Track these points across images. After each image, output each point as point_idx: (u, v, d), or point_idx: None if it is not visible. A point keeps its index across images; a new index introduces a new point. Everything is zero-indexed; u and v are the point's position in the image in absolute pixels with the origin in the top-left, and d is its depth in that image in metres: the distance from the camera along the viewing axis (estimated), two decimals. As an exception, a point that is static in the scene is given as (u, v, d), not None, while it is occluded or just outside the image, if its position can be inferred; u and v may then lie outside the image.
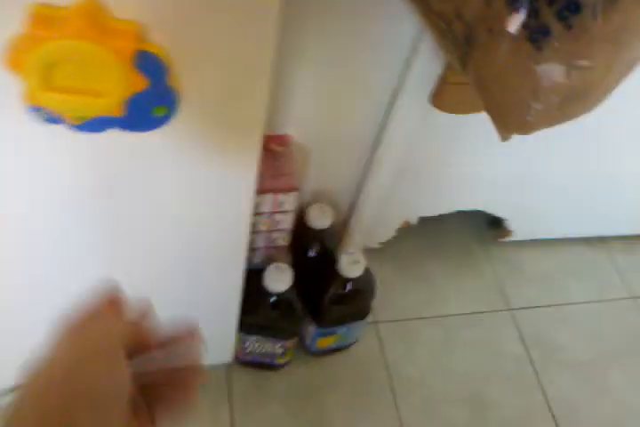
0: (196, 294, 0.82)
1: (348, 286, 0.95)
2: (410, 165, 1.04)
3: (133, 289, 0.36)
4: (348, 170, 1.06)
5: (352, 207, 1.11)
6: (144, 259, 0.71)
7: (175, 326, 0.35)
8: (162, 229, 0.66)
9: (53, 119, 0.45)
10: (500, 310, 1.20)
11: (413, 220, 1.18)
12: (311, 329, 1.01)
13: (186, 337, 0.35)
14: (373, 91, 0.92)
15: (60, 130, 0.46)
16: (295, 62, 0.79)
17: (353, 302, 0.98)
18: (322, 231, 0.99)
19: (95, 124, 0.46)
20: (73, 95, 0.42)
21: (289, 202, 0.88)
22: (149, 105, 0.46)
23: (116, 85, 0.43)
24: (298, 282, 0.91)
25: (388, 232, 1.20)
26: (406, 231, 1.20)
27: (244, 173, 0.60)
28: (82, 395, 0.29)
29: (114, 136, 0.48)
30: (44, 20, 0.41)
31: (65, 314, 0.32)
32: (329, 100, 0.90)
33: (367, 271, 0.96)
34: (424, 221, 1.20)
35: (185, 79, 0.47)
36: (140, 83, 0.43)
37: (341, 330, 1.02)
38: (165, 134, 0.50)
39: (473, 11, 0.60)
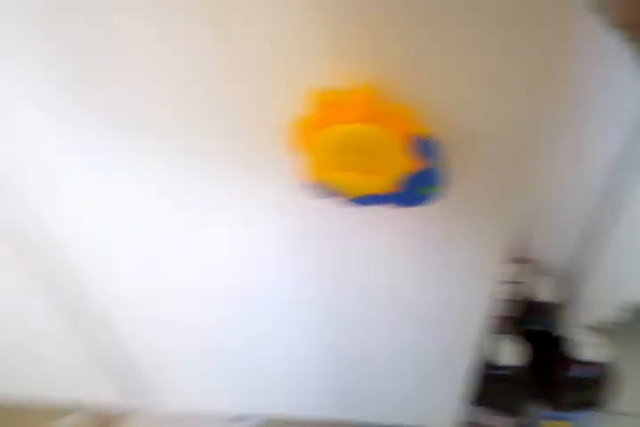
0: (418, 358, 0.81)
1: (587, 371, 0.86)
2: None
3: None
4: (568, 236, 0.97)
5: (575, 280, 1.02)
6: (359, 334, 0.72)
7: None
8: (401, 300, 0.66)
9: (328, 194, 0.48)
10: None
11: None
12: (539, 410, 0.93)
13: None
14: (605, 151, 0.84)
15: (330, 204, 0.49)
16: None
17: (591, 389, 0.89)
18: (546, 304, 0.92)
19: (365, 200, 0.48)
20: (353, 174, 0.45)
21: (515, 272, 0.84)
22: (418, 184, 0.46)
23: (392, 166, 0.44)
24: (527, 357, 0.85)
25: (614, 311, 1.07)
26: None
27: (493, 258, 0.58)
28: None
29: (375, 210, 0.50)
30: (328, 103, 0.44)
31: None
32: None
33: (609, 355, 0.86)
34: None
35: (456, 161, 0.47)
36: (414, 164, 0.44)
37: (574, 417, 0.93)
38: (425, 212, 0.51)
39: None
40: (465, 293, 0.63)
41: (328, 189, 0.47)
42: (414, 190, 0.47)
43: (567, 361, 0.88)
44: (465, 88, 0.43)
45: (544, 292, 0.90)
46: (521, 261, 0.82)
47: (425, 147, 0.44)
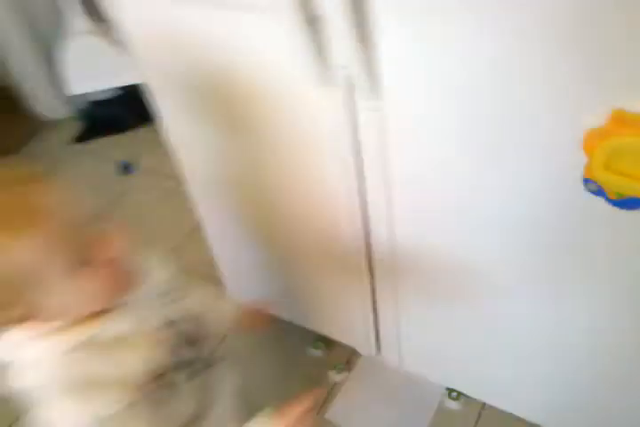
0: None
1: None
2: None
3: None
4: None
5: None
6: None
7: None
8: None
9: (597, 192, 0.60)
10: None
11: None
12: None
13: None
14: None
15: (597, 201, 0.61)
16: None
17: None
18: None
19: (628, 202, 0.59)
20: (625, 178, 0.56)
21: None
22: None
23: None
24: None
25: None
26: None
27: None
28: None
29: (634, 214, 0.61)
30: (619, 120, 0.56)
31: None
32: None
33: None
34: None
35: None
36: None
37: None
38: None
39: None
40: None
41: (600, 187, 0.59)
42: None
43: None
44: None
45: None
46: None
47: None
